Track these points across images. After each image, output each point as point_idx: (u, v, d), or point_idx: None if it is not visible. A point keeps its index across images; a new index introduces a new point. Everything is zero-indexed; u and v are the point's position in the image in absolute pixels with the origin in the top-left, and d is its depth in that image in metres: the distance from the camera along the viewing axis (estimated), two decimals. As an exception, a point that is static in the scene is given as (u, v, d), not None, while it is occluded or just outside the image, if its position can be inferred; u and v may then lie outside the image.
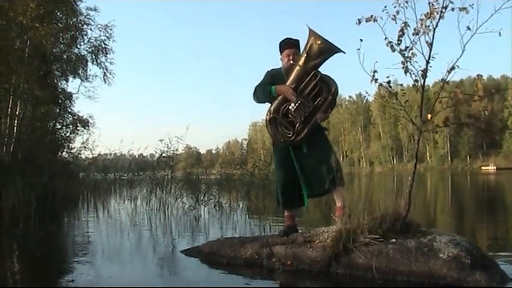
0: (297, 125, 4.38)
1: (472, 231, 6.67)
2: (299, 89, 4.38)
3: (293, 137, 4.39)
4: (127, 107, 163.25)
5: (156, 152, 11.55)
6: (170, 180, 10.60)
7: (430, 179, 33.04)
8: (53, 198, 9.53)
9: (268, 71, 4.65)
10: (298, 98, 4.36)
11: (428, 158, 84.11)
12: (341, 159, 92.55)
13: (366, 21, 3.75)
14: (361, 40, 3.86)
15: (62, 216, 8.98)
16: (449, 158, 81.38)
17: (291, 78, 4.43)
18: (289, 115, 4.41)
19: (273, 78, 4.55)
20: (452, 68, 3.76)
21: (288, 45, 4.57)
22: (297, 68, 4.41)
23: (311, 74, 4.37)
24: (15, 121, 14.84)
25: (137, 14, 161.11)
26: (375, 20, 3.72)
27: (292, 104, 4.38)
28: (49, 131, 18.73)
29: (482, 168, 66.80)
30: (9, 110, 14.85)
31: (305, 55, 4.38)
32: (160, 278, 4.13)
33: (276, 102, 4.46)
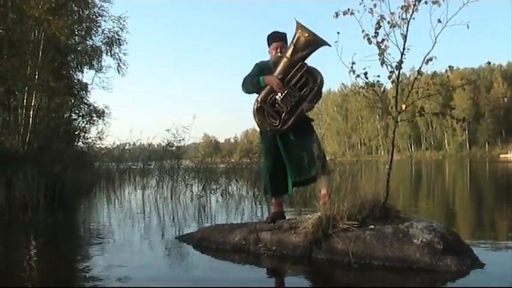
0: (283, 114, 4.52)
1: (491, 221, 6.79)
2: (286, 80, 4.51)
3: (279, 126, 4.54)
4: (139, 96, 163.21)
5: (162, 142, 11.79)
6: (177, 170, 10.80)
7: (449, 166, 32.78)
8: (64, 187, 9.79)
9: (257, 63, 4.79)
10: (285, 88, 4.50)
11: (446, 146, 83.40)
12: (359, 147, 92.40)
13: (344, 14, 3.86)
14: (338, 33, 3.98)
15: (71, 204, 9.26)
16: (467, 145, 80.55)
17: (278, 69, 4.56)
18: (276, 105, 4.55)
19: (261, 70, 4.69)
20: (430, 59, 3.86)
21: (276, 38, 4.70)
22: (284, 59, 4.55)
23: (298, 65, 4.51)
24: (31, 112, 15.18)
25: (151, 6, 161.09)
26: (352, 13, 3.83)
27: (279, 94, 4.52)
28: (64, 122, 19.06)
29: (501, 155, 66.02)
30: (25, 101, 15.20)
31: (292, 47, 4.51)
32: (146, 261, 4.33)
33: (264, 92, 4.60)
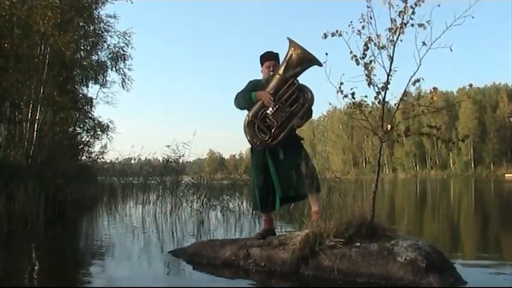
0: (274, 129, 4.63)
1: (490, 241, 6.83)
2: (277, 95, 4.62)
3: (269, 140, 4.63)
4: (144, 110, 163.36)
5: (163, 157, 11.87)
6: (177, 185, 10.89)
7: (454, 186, 32.66)
8: (65, 200, 9.89)
9: (250, 81, 4.92)
10: (276, 103, 4.60)
11: (451, 165, 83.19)
12: (364, 165, 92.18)
13: (332, 35, 3.97)
14: (326, 54, 4.09)
15: (72, 218, 9.36)
16: (472, 164, 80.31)
17: (270, 85, 4.68)
18: (267, 119, 4.66)
19: (254, 87, 4.81)
20: (417, 81, 3.95)
21: (268, 57, 4.84)
22: (277, 76, 4.67)
23: (289, 82, 4.62)
24: (36, 126, 15.35)
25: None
26: (340, 35, 3.94)
27: (270, 109, 4.63)
28: (68, 136, 19.20)
29: (506, 175, 65.69)
30: (30, 115, 15.38)
31: (285, 64, 4.64)
32: (132, 274, 4.44)
33: (255, 106, 4.71)
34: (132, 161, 15.44)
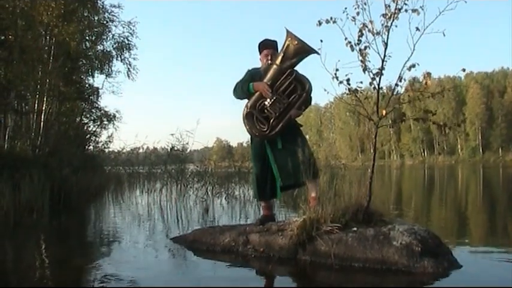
0: (272, 120, 4.66)
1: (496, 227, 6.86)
2: (275, 86, 4.65)
3: (268, 131, 4.67)
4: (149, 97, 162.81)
5: (167, 146, 11.94)
6: (182, 174, 10.97)
7: (462, 172, 32.54)
8: (70, 190, 10.00)
9: (248, 70, 4.94)
10: (274, 95, 4.63)
11: (459, 151, 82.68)
12: (371, 152, 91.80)
13: (326, 22, 3.98)
14: (321, 41, 4.11)
15: (77, 207, 9.46)
16: (480, 150, 79.74)
17: (268, 76, 4.70)
18: (265, 110, 4.69)
19: (252, 76, 4.83)
20: (412, 66, 3.97)
21: (266, 46, 4.86)
22: (274, 67, 4.69)
23: (287, 73, 4.64)
24: (42, 116, 15.47)
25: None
26: (334, 22, 3.96)
27: (268, 100, 4.66)
28: (74, 126, 19.32)
29: (514, 160, 65.37)
30: (36, 106, 15.49)
31: (282, 55, 4.65)
32: (131, 260, 4.53)
33: (253, 98, 4.74)
34: (140, 150, 15.47)
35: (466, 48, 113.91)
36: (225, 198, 10.18)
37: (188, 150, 11.58)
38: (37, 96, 15.45)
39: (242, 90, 4.79)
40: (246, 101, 4.84)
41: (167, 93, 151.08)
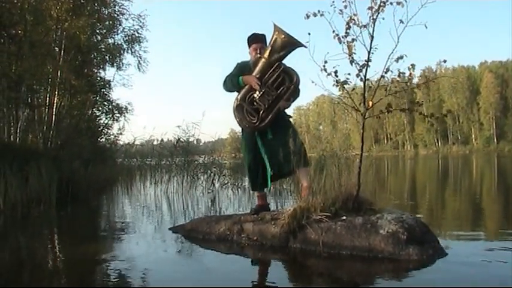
0: (261, 112, 4.79)
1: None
2: (263, 79, 4.77)
3: (257, 123, 4.80)
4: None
5: (179, 138, 12.04)
6: (189, 165, 11.12)
7: (476, 161, 32.35)
8: (79, 182, 10.18)
9: (238, 63, 5.07)
10: (262, 87, 4.75)
11: (473, 140, 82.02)
12: (385, 142, 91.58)
13: (314, 15, 4.06)
14: (309, 34, 4.20)
15: (85, 199, 9.64)
16: (495, 139, 79.02)
17: (257, 69, 4.84)
18: (255, 103, 4.82)
19: (242, 69, 4.96)
20: (400, 58, 4.04)
21: (255, 40, 4.99)
22: (263, 60, 4.81)
23: (275, 66, 4.75)
24: (54, 110, 15.71)
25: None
26: (322, 15, 4.03)
27: (257, 93, 4.78)
28: (86, 119, 19.53)
29: (529, 150, 64.69)
30: (48, 99, 15.73)
31: (270, 48, 4.77)
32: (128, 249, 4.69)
33: (243, 91, 4.89)
34: (158, 142, 15.48)
35: (480, 37, 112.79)
36: (232, 189, 10.30)
37: (202, 142, 11.70)
38: (49, 89, 15.68)
39: (232, 83, 4.91)
40: (236, 93, 4.96)
41: (178, 84, 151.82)
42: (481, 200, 9.01)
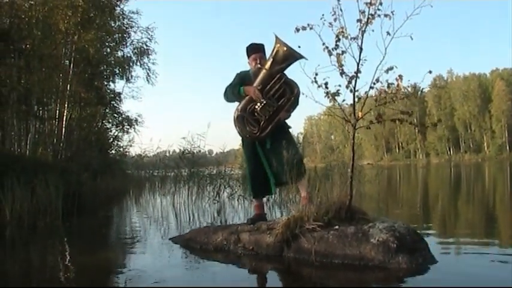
0: (262, 123, 4.89)
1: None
2: (265, 90, 4.86)
3: (258, 133, 4.91)
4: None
5: (188, 149, 12.14)
6: (195, 176, 11.22)
7: (488, 169, 32.06)
8: (86, 194, 10.33)
9: (238, 73, 5.17)
10: (264, 98, 4.84)
11: (485, 148, 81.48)
12: (397, 151, 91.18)
13: (303, 29, 4.15)
14: (299, 47, 4.30)
15: (92, 210, 9.79)
16: (507, 147, 78.39)
17: (258, 80, 4.93)
18: (255, 113, 4.92)
19: (242, 79, 5.06)
20: (390, 69, 4.11)
21: (254, 50, 5.08)
22: (264, 71, 4.90)
23: (276, 77, 4.85)
24: (64, 122, 15.95)
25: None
26: (311, 28, 4.12)
27: (258, 104, 4.87)
28: (95, 131, 19.76)
29: (542, 157, 64.11)
30: (58, 112, 15.98)
31: (271, 59, 4.86)
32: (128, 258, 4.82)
33: (244, 101, 4.98)
34: (169, 154, 15.58)
35: (491, 44, 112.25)
36: (237, 200, 10.36)
37: (214, 153, 11.81)
38: (58, 102, 15.92)
39: (233, 93, 5.01)
40: (236, 104, 5.06)
41: (188, 93, 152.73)
42: (494, 209, 8.95)
